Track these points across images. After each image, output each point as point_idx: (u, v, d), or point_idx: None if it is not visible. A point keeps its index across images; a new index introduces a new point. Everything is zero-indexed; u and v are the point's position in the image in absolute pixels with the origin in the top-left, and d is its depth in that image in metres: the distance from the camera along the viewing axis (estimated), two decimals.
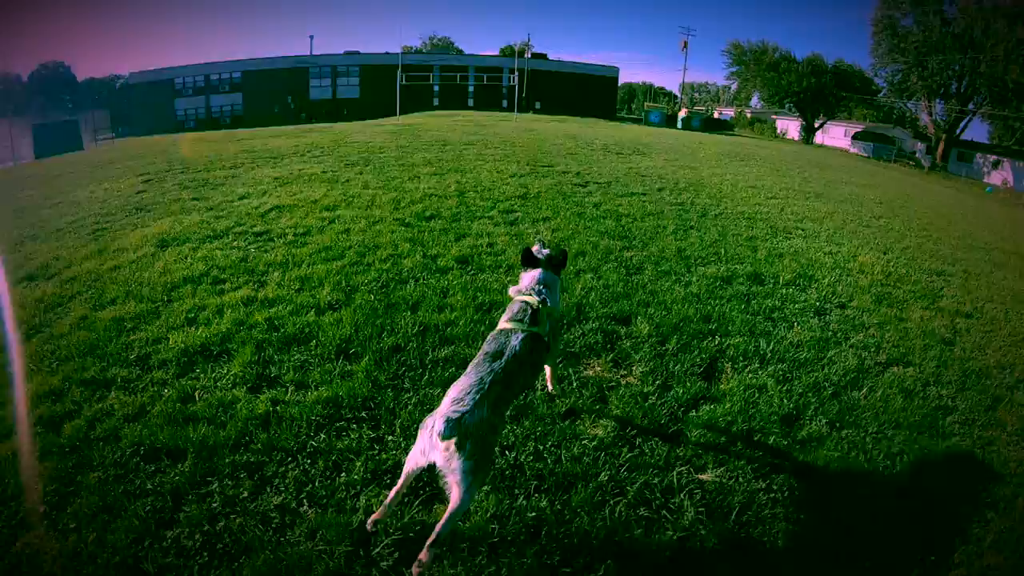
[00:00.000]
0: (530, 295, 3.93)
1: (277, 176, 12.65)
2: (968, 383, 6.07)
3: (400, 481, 3.44)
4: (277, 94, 65.26)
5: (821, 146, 62.89)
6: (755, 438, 4.61)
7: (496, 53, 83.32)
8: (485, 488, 3.80)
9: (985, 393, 5.94)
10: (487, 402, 3.14)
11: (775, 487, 4.14)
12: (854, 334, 6.68)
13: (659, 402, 4.92)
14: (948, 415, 5.40)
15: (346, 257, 7.61)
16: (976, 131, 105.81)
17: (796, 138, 71.09)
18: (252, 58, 67.01)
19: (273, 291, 6.55)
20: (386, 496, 3.54)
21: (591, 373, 5.31)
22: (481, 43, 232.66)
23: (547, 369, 4.70)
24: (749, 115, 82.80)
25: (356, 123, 33.27)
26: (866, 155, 60.05)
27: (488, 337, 3.70)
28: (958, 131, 66.02)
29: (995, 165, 62.44)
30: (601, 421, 4.65)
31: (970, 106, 64.07)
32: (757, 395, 5.16)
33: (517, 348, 3.50)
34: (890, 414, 5.18)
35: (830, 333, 6.59)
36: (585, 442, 4.37)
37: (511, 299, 4.06)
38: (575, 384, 5.09)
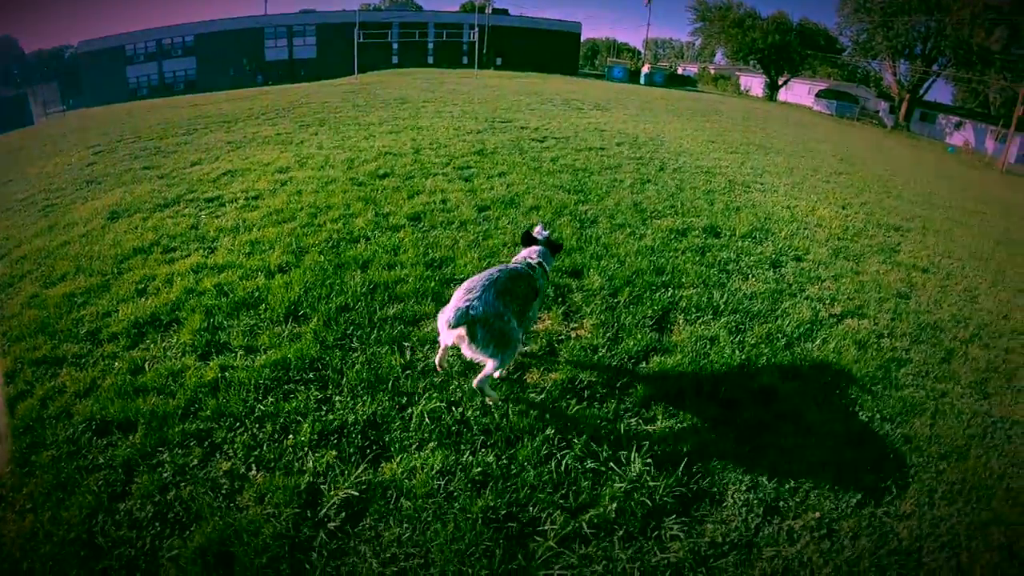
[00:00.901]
0: (532, 260, 4.52)
1: (230, 141, 12.36)
2: (923, 336, 6.16)
3: (440, 351, 4.40)
4: (232, 57, 63.42)
5: (784, 103, 63.41)
6: (706, 389, 4.59)
7: (456, 9, 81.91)
8: (432, 444, 3.84)
9: (939, 346, 6.04)
10: (494, 289, 3.85)
11: (725, 438, 4.13)
12: (809, 286, 6.72)
13: (609, 354, 4.89)
14: (902, 367, 5.47)
15: (297, 219, 7.46)
16: (940, 93, 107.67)
17: (760, 95, 71.48)
18: (205, 20, 64.88)
19: (223, 257, 6.43)
20: (332, 454, 3.75)
21: (541, 327, 5.25)
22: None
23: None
24: (713, 71, 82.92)
25: (313, 84, 32.49)
26: (829, 113, 60.61)
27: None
28: (921, 92, 67.04)
29: (957, 126, 63.62)
30: (550, 375, 4.60)
31: (934, 68, 64.97)
32: (709, 346, 5.15)
33: (519, 267, 4.29)
34: (843, 366, 5.22)
35: (785, 285, 6.63)
36: (533, 396, 4.33)
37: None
38: (524, 338, 4.99)
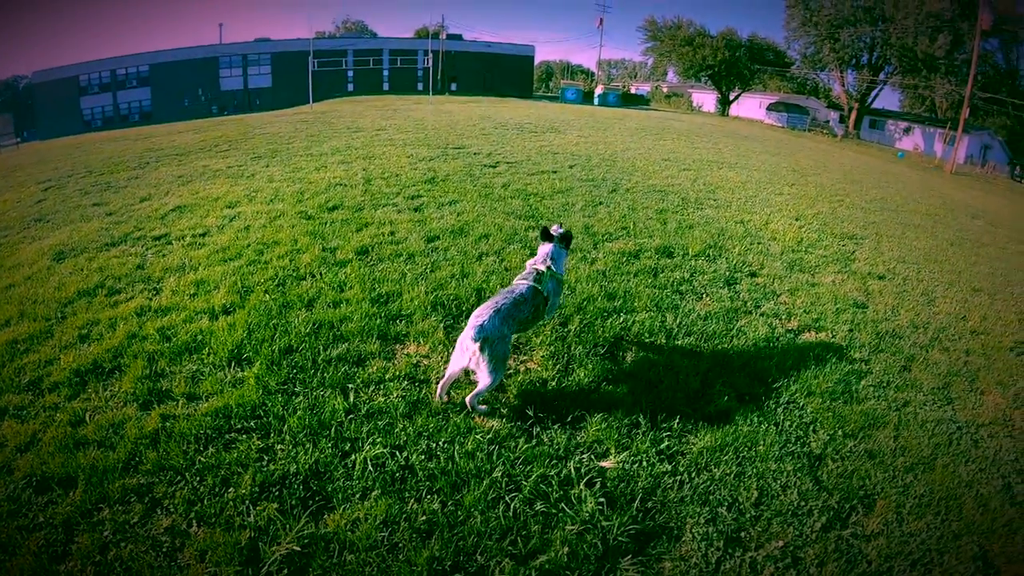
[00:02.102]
0: (540, 267, 4.90)
1: (181, 175, 12.03)
2: (882, 345, 6.12)
3: (445, 377, 4.48)
4: (187, 87, 63.15)
5: (736, 118, 64.44)
6: (659, 418, 4.43)
7: (411, 35, 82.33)
8: (375, 492, 3.67)
9: (899, 354, 6.01)
10: (499, 316, 4.28)
11: (681, 469, 4.00)
12: (765, 302, 6.65)
13: (560, 387, 4.73)
14: (862, 379, 5.40)
15: (244, 256, 7.23)
16: (887, 99, 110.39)
17: (712, 110, 72.62)
18: (160, 50, 64.41)
19: (168, 298, 6.20)
20: (274, 506, 3.59)
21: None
22: (395, 25, 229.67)
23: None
24: (665, 90, 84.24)
25: (268, 113, 32.24)
26: (780, 125, 61.83)
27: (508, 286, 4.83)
28: (869, 100, 68.81)
29: (906, 131, 65.27)
30: (498, 412, 4.41)
31: (881, 76, 66.77)
32: (663, 372, 5.01)
33: (523, 291, 4.61)
34: (802, 382, 5.12)
35: (740, 303, 6.54)
36: (480, 436, 4.15)
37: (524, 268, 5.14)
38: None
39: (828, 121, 69.11)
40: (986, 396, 5.57)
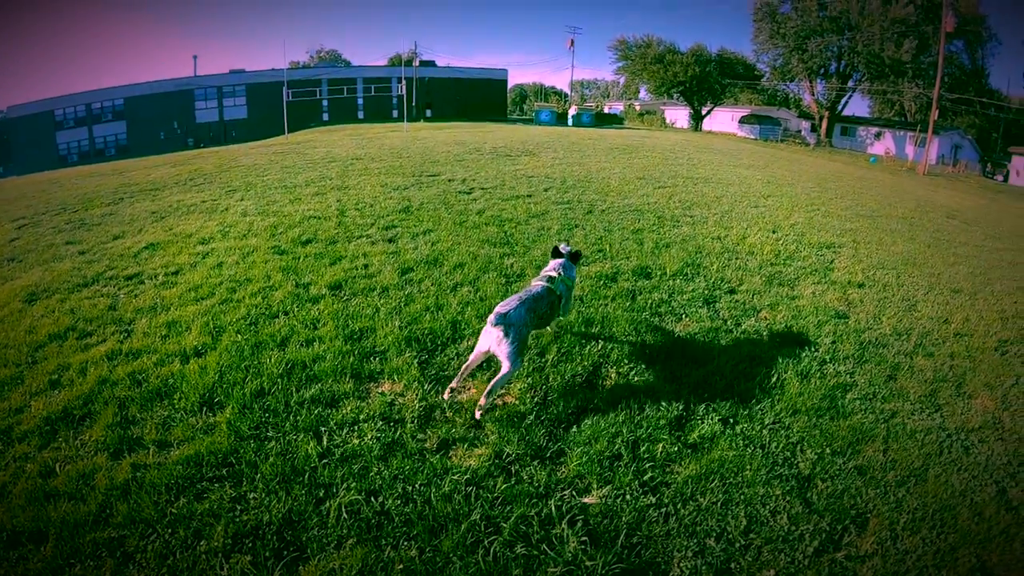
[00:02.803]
0: (552, 273, 5.39)
1: (155, 211, 11.80)
2: (866, 355, 6.05)
3: (469, 360, 4.82)
4: (162, 120, 63.15)
5: (710, 132, 65.04)
6: (642, 449, 4.29)
7: (385, 63, 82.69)
8: (351, 541, 3.52)
9: (884, 363, 5.93)
10: (523, 306, 4.74)
11: (666, 501, 3.86)
12: (745, 319, 6.56)
13: (538, 421, 4.58)
14: (848, 392, 5.32)
15: (216, 295, 7.05)
16: (857, 106, 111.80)
17: (685, 126, 73.25)
18: (135, 83, 64.40)
19: (139, 341, 6.01)
20: (247, 559, 3.30)
21: (466, 397, 4.92)
22: (369, 53, 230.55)
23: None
24: (638, 108, 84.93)
25: (243, 145, 32.06)
26: (753, 137, 62.47)
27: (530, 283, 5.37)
28: (840, 108, 69.76)
29: (877, 136, 66.19)
30: (476, 450, 4.28)
31: (850, 83, 67.74)
32: (644, 399, 4.87)
33: (539, 289, 5.11)
34: (787, 401, 5.01)
35: (720, 322, 6.44)
36: (457, 477, 3.99)
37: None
38: (449, 413, 4.67)
39: (800, 131, 69.97)
40: (974, 400, 5.51)
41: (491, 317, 4.52)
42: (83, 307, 7.01)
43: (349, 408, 4.73)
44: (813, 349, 5.99)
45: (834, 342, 6.20)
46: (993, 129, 71.39)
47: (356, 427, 4.49)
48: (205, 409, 4.79)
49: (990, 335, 7.05)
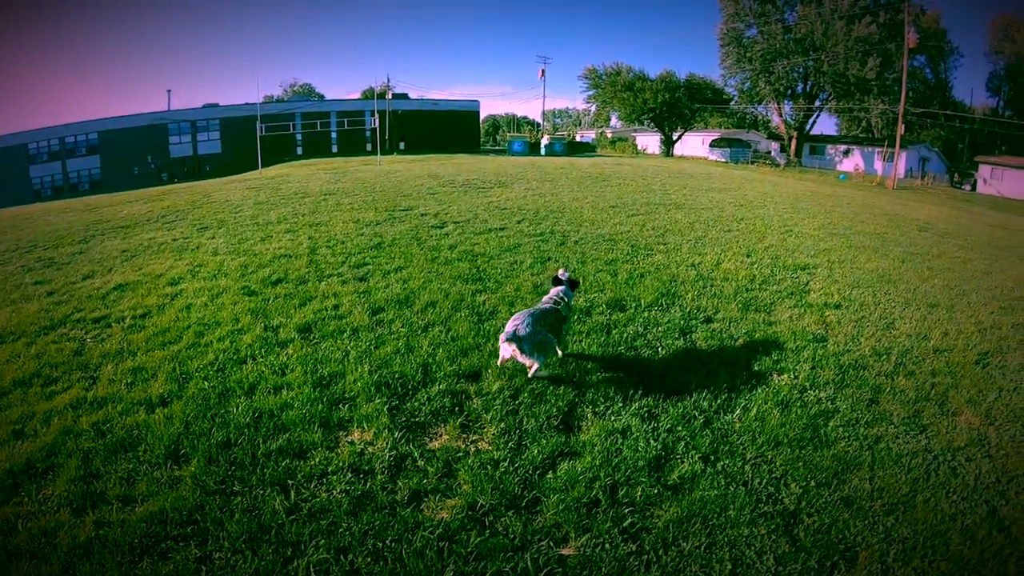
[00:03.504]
0: (555, 297, 5.98)
1: (126, 249, 11.58)
2: (846, 379, 5.96)
3: (499, 361, 5.64)
4: (136, 155, 62.58)
5: (681, 157, 65.68)
6: (620, 493, 4.14)
7: (358, 96, 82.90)
8: None
9: (865, 386, 5.85)
10: (531, 318, 5.34)
11: (647, 547, 3.70)
12: (723, 348, 6.44)
13: (513, 467, 4.42)
14: (830, 419, 5.21)
15: (183, 339, 6.86)
16: (825, 125, 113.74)
17: (657, 152, 73.94)
18: (108, 117, 63.89)
19: (104, 388, 5.80)
20: None
21: (437, 444, 4.75)
22: (342, 86, 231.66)
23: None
24: (610, 135, 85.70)
25: (217, 180, 31.71)
26: (724, 160, 63.15)
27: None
28: (808, 127, 71.00)
29: (846, 153, 67.29)
30: (448, 501, 4.11)
31: (817, 103, 69.07)
32: (620, 440, 4.73)
33: (545, 306, 5.74)
34: (768, 433, 4.89)
35: (698, 353, 6.31)
36: (430, 531, 3.82)
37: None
38: (420, 462, 4.49)
39: (770, 152, 71.01)
40: (958, 417, 5.44)
41: (503, 335, 5.27)
42: (49, 352, 6.82)
43: (318, 459, 4.55)
44: (793, 376, 5.90)
45: (814, 367, 6.11)
46: (959, 140, 72.85)
47: (325, 479, 4.31)
48: (170, 462, 4.60)
49: (970, 348, 7.02)
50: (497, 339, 6.50)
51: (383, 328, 6.92)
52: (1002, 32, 76.14)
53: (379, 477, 4.33)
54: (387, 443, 4.71)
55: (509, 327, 5.34)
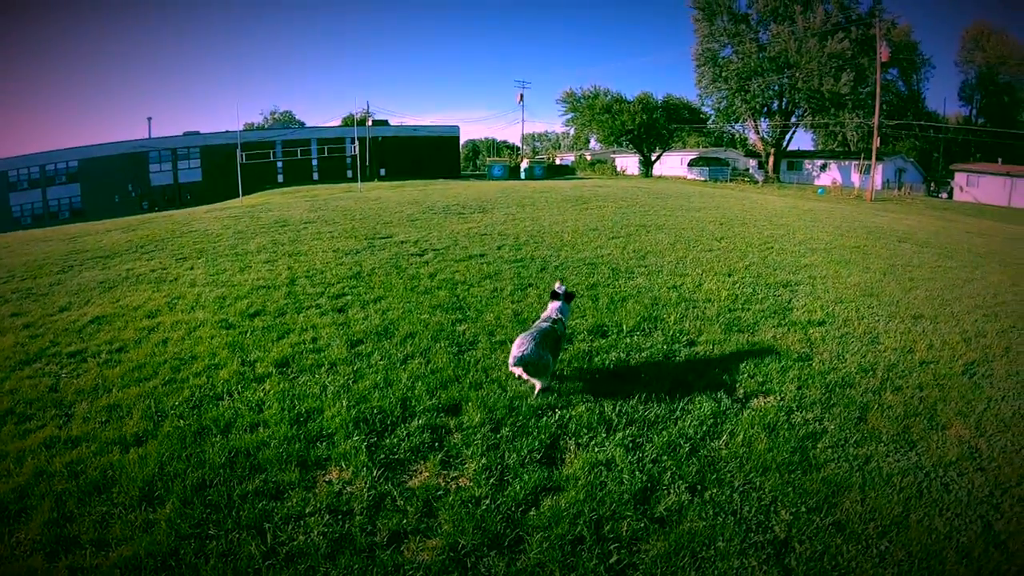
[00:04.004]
0: (553, 315, 6.29)
1: (104, 280, 11.35)
2: (833, 398, 5.87)
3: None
4: (117, 183, 62.60)
5: (660, 177, 66.17)
6: (606, 528, 4.01)
7: (339, 123, 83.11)
8: None
9: (852, 404, 5.77)
10: (534, 342, 5.61)
11: None
12: (707, 372, 6.35)
13: (494, 505, 4.27)
14: (818, 441, 5.10)
15: (159, 375, 6.67)
16: (801, 140, 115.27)
17: (636, 173, 74.51)
18: (89, 145, 63.98)
19: (78, 427, 5.61)
20: None
21: (417, 482, 4.60)
22: (322, 114, 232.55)
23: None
24: (589, 157, 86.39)
25: (198, 208, 31.42)
26: (703, 179, 63.85)
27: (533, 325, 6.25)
28: (785, 143, 71.92)
29: (823, 168, 68.13)
30: (429, 542, 3.95)
31: (793, 119, 69.96)
32: (605, 473, 4.60)
33: (545, 326, 6.00)
34: (756, 459, 4.77)
35: (681, 378, 6.21)
36: (410, 574, 3.67)
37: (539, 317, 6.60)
38: (399, 501, 4.35)
39: (748, 169, 71.82)
40: (948, 430, 5.37)
41: (511, 359, 5.61)
42: (24, 388, 6.61)
43: (295, 500, 4.39)
44: (779, 398, 5.80)
45: (800, 387, 6.02)
46: (934, 149, 74.06)
47: (302, 522, 4.15)
48: (145, 504, 4.43)
49: (956, 359, 7.00)
50: (478, 369, 6.47)
51: (361, 361, 6.78)
52: (972, 42, 77.82)
53: (358, 518, 4.17)
54: (366, 482, 4.56)
55: (515, 351, 5.65)
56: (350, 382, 6.24)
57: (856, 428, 5.32)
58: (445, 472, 4.71)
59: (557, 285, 6.65)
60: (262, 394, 6.09)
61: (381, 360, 6.77)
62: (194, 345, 7.51)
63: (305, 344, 7.37)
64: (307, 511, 4.27)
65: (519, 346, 5.65)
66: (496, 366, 6.49)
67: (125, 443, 5.28)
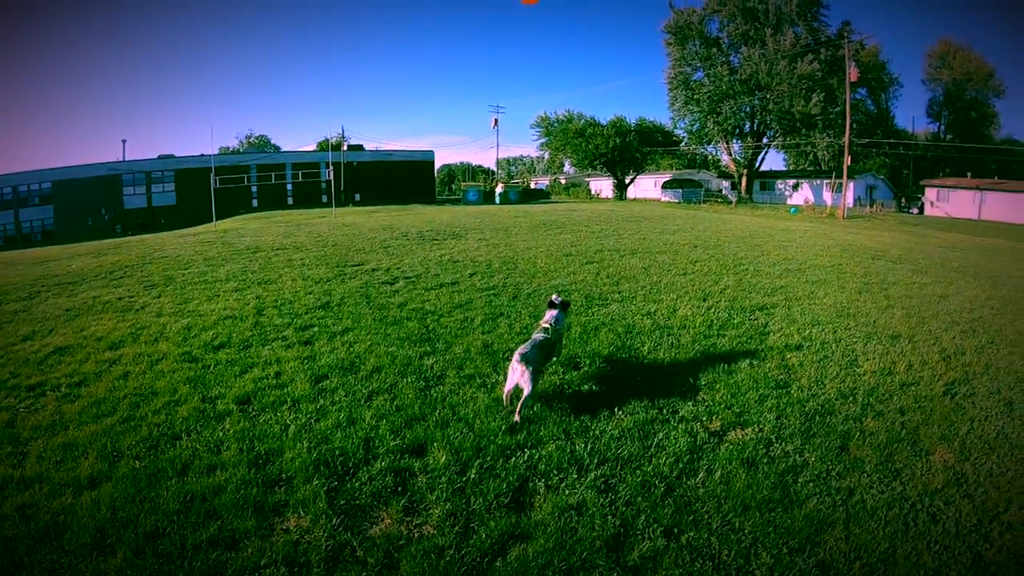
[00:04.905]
0: (547, 324, 6.79)
1: (70, 307, 10.97)
2: (813, 428, 5.71)
3: (504, 392, 6.18)
4: (90, 205, 61.93)
5: (634, 200, 66.52)
6: None
7: (314, 148, 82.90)
8: None
9: (833, 433, 5.61)
10: (535, 349, 6.18)
11: None
12: (682, 404, 6.15)
13: (459, 556, 4.01)
14: (799, 475, 4.93)
15: (118, 412, 6.34)
16: (773, 161, 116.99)
17: (610, 196, 74.95)
18: (63, 167, 63.40)
19: (33, 467, 5.30)
20: None
21: (378, 530, 4.32)
22: (298, 138, 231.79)
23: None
24: (564, 181, 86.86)
25: (171, 233, 30.86)
26: (677, 201, 64.30)
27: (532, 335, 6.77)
28: (757, 164, 72.97)
29: (795, 187, 68.98)
30: None
31: (764, 140, 70.88)
32: (575, 518, 4.35)
33: (540, 337, 6.52)
34: (734, 497, 4.56)
35: (656, 411, 6.00)
36: None
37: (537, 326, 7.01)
38: (359, 551, 4.07)
39: (721, 190, 72.62)
40: (933, 456, 5.25)
41: (516, 356, 6.03)
42: None
43: (250, 550, 4.12)
44: (758, 429, 5.61)
45: (778, 417, 5.85)
46: (904, 166, 75.47)
47: (258, 574, 3.90)
48: (96, 553, 4.15)
49: (936, 379, 6.92)
50: (445, 406, 6.23)
51: (325, 398, 6.49)
52: (939, 60, 79.70)
53: (315, 570, 3.92)
54: (324, 531, 4.28)
55: (518, 354, 6.10)
56: (312, 421, 5.96)
57: (838, 459, 5.16)
58: (408, 519, 4.45)
59: (554, 296, 7.26)
60: (221, 433, 5.79)
61: (345, 397, 6.49)
62: (155, 379, 7.20)
63: (268, 379, 7.07)
64: (263, 563, 3.99)
65: (522, 351, 6.15)
66: (464, 402, 6.25)
67: (79, 485, 4.99)
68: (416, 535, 4.26)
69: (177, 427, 5.95)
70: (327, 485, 4.83)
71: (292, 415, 6.11)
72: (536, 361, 6.12)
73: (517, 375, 5.96)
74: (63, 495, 4.85)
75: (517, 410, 5.85)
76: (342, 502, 4.60)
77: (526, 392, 5.88)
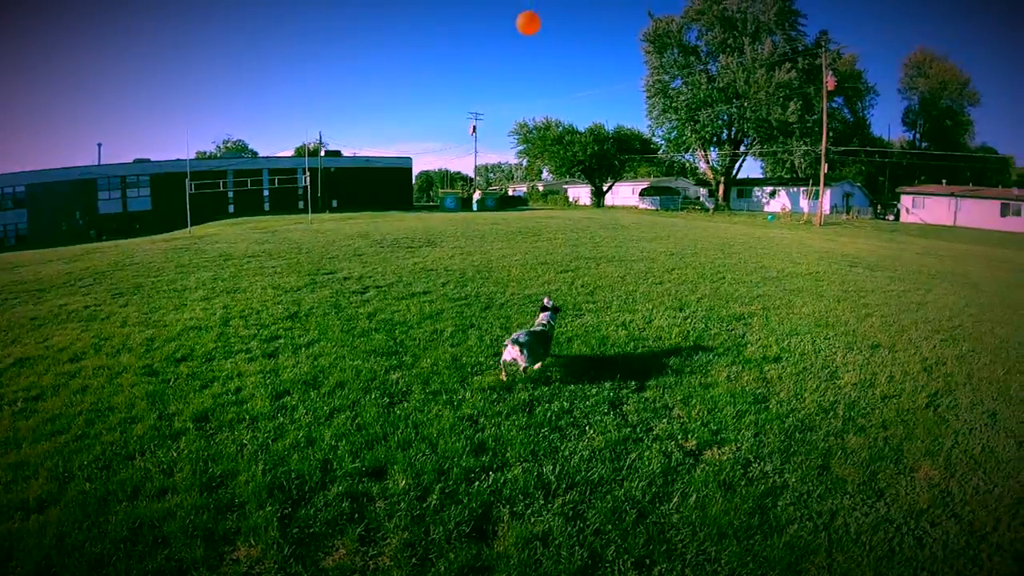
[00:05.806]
0: (543, 322, 7.38)
1: (35, 316, 10.58)
2: (793, 446, 5.50)
3: (501, 363, 6.94)
4: (65, 210, 61.17)
5: (612, 207, 66.63)
6: None
7: (291, 153, 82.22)
8: None
9: (814, 451, 5.41)
10: (530, 335, 6.91)
11: None
12: (657, 422, 5.89)
13: None
14: (779, 498, 4.70)
15: (72, 429, 6.00)
16: (751, 168, 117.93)
17: (588, 203, 75.09)
18: (36, 170, 62.41)
19: None
20: None
21: (331, 562, 4.01)
22: (276, 143, 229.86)
23: None
24: (542, 188, 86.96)
25: (145, 239, 30.29)
26: (655, 208, 64.53)
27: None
28: (734, 172, 73.46)
29: (772, 195, 69.54)
30: None
31: (742, 148, 71.30)
32: (541, 549, 4.05)
33: (537, 328, 7.25)
34: (710, 523, 4.30)
35: (628, 430, 5.72)
36: None
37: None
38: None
39: (699, 197, 73.09)
40: (917, 474, 5.07)
41: (508, 341, 6.74)
42: None
43: None
44: (735, 447, 5.37)
45: (757, 434, 5.63)
46: (880, 174, 76.44)
47: None
48: None
49: (918, 391, 6.79)
50: (408, 425, 5.91)
51: (284, 416, 6.16)
52: (914, 69, 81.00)
53: None
54: (275, 562, 3.97)
55: (513, 337, 6.82)
56: (270, 440, 5.63)
57: (819, 479, 4.94)
58: (363, 549, 4.13)
59: (546, 300, 7.87)
60: (175, 453, 5.46)
61: (306, 415, 6.17)
62: (113, 394, 6.85)
63: (228, 395, 6.74)
64: None
65: (517, 334, 6.92)
66: (428, 421, 5.94)
67: (27, 508, 4.68)
68: (371, 567, 3.96)
69: (131, 446, 5.61)
70: (280, 511, 4.51)
71: (250, 434, 5.79)
72: (530, 342, 6.76)
73: (512, 354, 6.70)
74: (11, 519, 4.55)
75: (518, 370, 6.88)
76: (295, 530, 4.30)
77: (522, 364, 6.73)
